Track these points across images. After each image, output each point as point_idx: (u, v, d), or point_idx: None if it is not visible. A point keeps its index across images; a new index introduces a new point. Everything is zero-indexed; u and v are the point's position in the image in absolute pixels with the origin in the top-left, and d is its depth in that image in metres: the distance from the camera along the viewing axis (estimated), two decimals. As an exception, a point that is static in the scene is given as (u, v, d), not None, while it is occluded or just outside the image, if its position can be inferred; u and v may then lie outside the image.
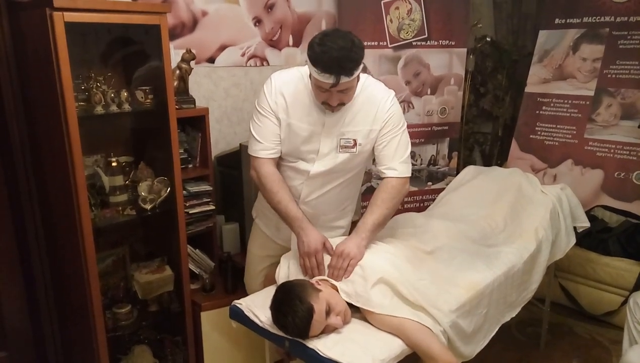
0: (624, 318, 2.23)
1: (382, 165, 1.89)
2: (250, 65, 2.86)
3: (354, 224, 2.00)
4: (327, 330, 1.60)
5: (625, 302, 2.83)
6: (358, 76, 1.73)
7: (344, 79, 1.63)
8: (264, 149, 1.85)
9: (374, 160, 1.96)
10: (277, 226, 2.02)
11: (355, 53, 1.63)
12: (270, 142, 1.85)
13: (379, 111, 1.83)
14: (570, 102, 3.35)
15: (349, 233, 2.04)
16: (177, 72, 2.35)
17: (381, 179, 1.91)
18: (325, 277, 1.73)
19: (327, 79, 1.62)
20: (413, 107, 3.26)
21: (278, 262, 1.93)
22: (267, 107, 1.83)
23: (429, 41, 3.18)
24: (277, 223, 1.99)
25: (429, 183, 3.41)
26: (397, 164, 1.87)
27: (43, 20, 1.72)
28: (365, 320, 1.68)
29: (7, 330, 2.25)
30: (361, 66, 1.68)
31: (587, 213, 2.69)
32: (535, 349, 2.82)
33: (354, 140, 1.84)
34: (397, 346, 1.59)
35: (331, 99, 1.70)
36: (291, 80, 1.84)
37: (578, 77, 3.34)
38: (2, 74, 2.03)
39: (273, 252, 2.06)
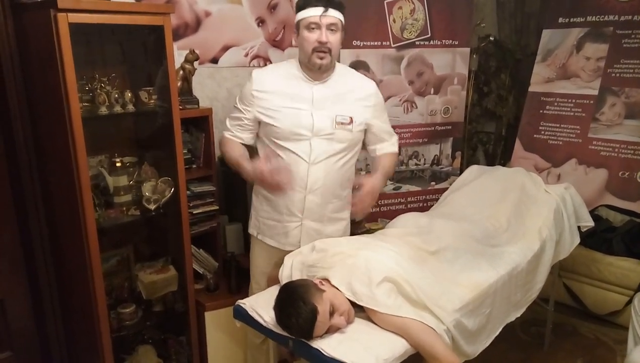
0: (629, 318, 2.23)
1: (384, 141, 2.12)
2: (254, 66, 2.86)
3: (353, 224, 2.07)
4: (331, 330, 1.60)
5: (629, 301, 2.83)
6: (342, 28, 1.91)
7: (332, 12, 1.84)
8: (230, 133, 2.05)
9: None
10: (284, 232, 2.02)
11: None
12: (237, 130, 2.03)
13: (369, 94, 2.03)
14: (574, 101, 3.34)
15: (349, 229, 2.17)
16: (181, 72, 2.35)
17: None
18: (328, 277, 1.73)
19: (317, 12, 1.83)
20: (416, 107, 3.25)
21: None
22: (246, 100, 1.97)
23: (432, 41, 3.17)
24: (284, 228, 1.99)
25: (433, 183, 3.41)
26: (395, 140, 2.16)
27: (47, 22, 1.73)
28: (369, 319, 1.68)
29: (11, 330, 2.25)
30: (344, 13, 1.90)
31: (591, 212, 2.69)
32: (539, 349, 2.82)
33: (350, 117, 1.97)
34: (400, 346, 1.59)
35: (322, 36, 1.85)
36: (272, 69, 2.05)
37: (582, 76, 3.33)
38: (6, 74, 2.04)
39: (280, 260, 2.04)
